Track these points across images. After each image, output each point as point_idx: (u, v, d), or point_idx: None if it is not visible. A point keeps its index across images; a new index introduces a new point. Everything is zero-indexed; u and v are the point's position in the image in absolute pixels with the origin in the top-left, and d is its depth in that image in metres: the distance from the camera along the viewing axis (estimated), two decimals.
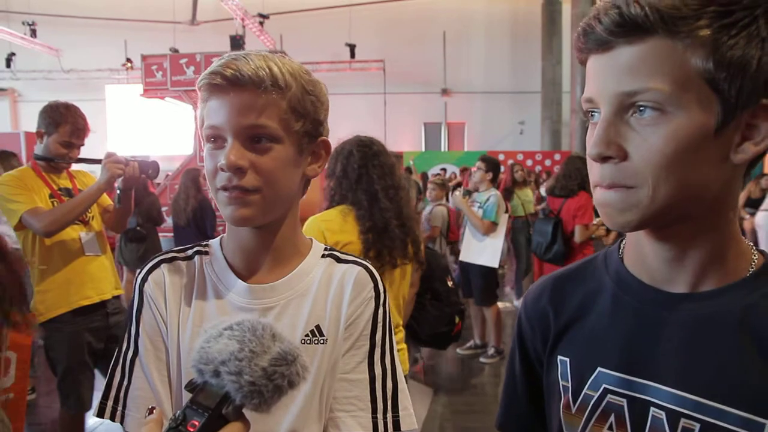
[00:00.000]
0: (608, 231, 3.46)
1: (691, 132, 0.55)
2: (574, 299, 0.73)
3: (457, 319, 2.54)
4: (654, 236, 0.64)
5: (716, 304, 0.61)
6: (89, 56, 15.50)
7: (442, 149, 16.77)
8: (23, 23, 14.51)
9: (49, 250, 2.29)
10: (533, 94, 15.65)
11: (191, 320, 0.83)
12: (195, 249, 0.89)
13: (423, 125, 17.11)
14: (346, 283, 0.87)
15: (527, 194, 6.04)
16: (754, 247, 0.65)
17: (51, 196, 2.32)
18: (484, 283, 4.32)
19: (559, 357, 0.72)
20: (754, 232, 6.89)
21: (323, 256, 0.91)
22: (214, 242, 0.90)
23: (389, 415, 0.86)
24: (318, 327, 0.84)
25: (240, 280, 0.85)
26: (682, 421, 0.59)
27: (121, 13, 15.42)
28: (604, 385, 0.66)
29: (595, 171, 0.60)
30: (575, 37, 0.61)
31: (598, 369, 0.67)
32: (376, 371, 0.86)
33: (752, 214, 6.95)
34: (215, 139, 0.78)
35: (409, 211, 2.07)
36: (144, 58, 9.01)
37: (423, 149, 16.44)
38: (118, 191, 2.43)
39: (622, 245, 0.72)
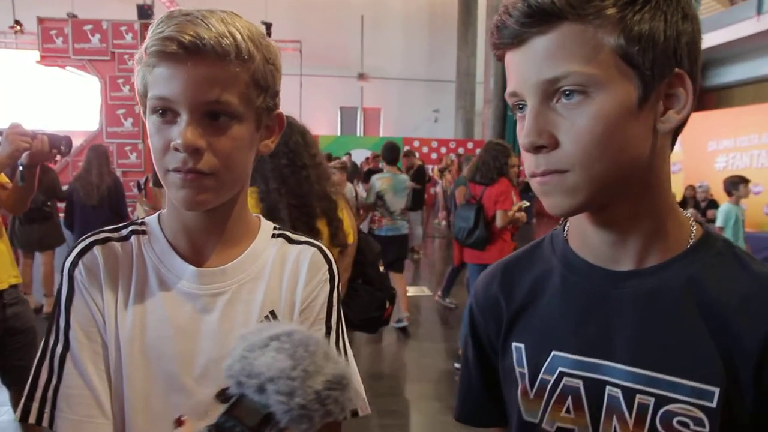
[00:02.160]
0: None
1: (615, 109, 0.57)
2: (525, 284, 0.74)
3: (387, 304, 2.55)
4: (594, 220, 0.65)
5: (661, 278, 0.63)
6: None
7: (358, 134, 16.77)
8: None
9: None
10: (448, 83, 16.02)
11: (131, 308, 0.76)
12: (130, 228, 0.81)
13: (339, 109, 16.99)
14: (300, 265, 0.83)
15: None
16: (691, 218, 0.67)
17: None
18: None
19: (514, 343, 0.72)
20: None
21: (273, 236, 0.86)
22: (150, 220, 0.82)
23: None
24: (273, 312, 0.80)
25: (186, 263, 0.78)
26: (638, 397, 0.61)
27: None
28: (559, 368, 0.66)
29: (530, 161, 0.62)
30: (490, 34, 0.62)
31: (553, 352, 0.67)
32: None
33: None
34: (164, 111, 0.69)
35: (322, 191, 1.99)
36: (41, 21, 8.20)
37: (339, 133, 16.34)
38: (20, 167, 2.19)
39: (566, 227, 0.73)
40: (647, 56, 0.57)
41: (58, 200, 5.07)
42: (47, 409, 0.73)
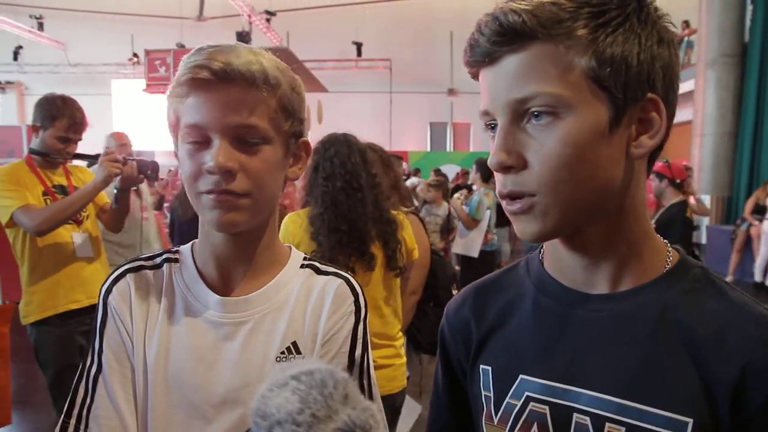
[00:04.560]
0: None
1: (585, 132, 0.56)
2: (496, 307, 0.72)
3: None
4: (567, 244, 0.63)
5: (635, 302, 0.61)
6: (96, 50, 15.50)
7: (448, 149, 16.70)
8: (30, 16, 14.52)
9: (39, 250, 2.22)
10: None
11: (158, 335, 0.78)
12: (164, 256, 0.83)
13: (429, 125, 17.05)
14: (325, 296, 0.82)
15: None
16: (668, 244, 0.65)
17: (44, 194, 2.24)
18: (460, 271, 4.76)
19: (481, 366, 0.70)
20: (760, 239, 6.80)
21: (302, 266, 0.85)
22: (184, 248, 0.84)
23: None
24: (294, 344, 0.79)
25: (211, 292, 0.79)
26: (607, 426, 0.58)
27: (128, 7, 15.42)
28: (526, 393, 0.64)
29: (499, 181, 0.60)
30: (463, 52, 0.61)
31: (520, 376, 0.65)
32: None
33: (760, 221, 6.87)
34: (198, 139, 0.72)
35: (378, 214, 1.90)
36: (147, 53, 9.01)
37: (428, 149, 16.37)
38: (115, 191, 2.36)
39: (542, 250, 0.71)
40: (619, 79, 0.56)
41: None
42: (82, 427, 0.76)
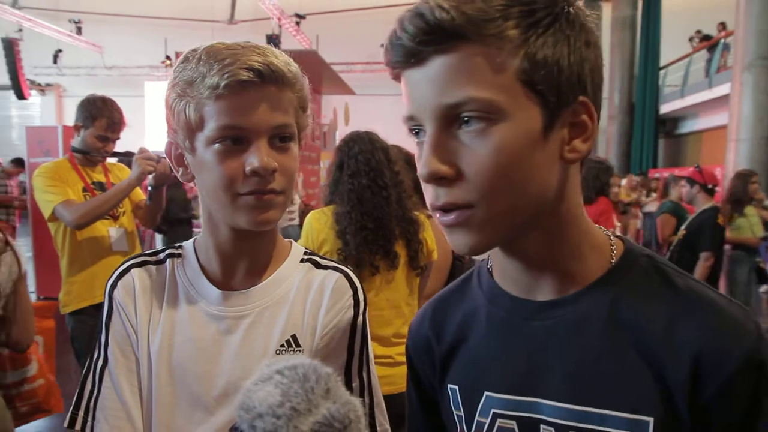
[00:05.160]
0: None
1: (519, 137, 0.53)
2: (454, 322, 0.69)
3: None
4: (507, 252, 0.61)
5: (582, 305, 0.59)
6: (130, 53, 15.89)
7: None
8: (70, 21, 14.97)
9: (78, 244, 2.32)
10: None
11: (161, 328, 0.79)
12: (167, 252, 0.85)
13: None
14: (324, 290, 0.83)
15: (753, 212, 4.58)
16: (610, 236, 0.62)
17: (84, 190, 2.35)
18: None
19: (449, 386, 0.68)
20: None
21: (302, 260, 0.86)
22: (187, 244, 0.86)
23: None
24: (294, 336, 0.80)
25: (213, 286, 0.81)
26: None
27: (162, 11, 15.78)
28: (492, 410, 0.62)
29: (429, 193, 0.56)
30: (384, 51, 0.56)
31: (486, 393, 0.63)
32: (353, 384, 0.81)
33: None
34: (234, 140, 0.71)
35: (401, 212, 1.90)
36: (177, 55, 9.20)
37: None
38: (149, 188, 2.44)
39: (490, 259, 0.68)
40: (552, 82, 0.53)
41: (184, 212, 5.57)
42: (89, 419, 0.78)
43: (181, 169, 0.79)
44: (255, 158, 0.70)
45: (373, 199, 1.86)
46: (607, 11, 13.46)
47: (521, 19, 0.52)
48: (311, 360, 0.55)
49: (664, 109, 14.08)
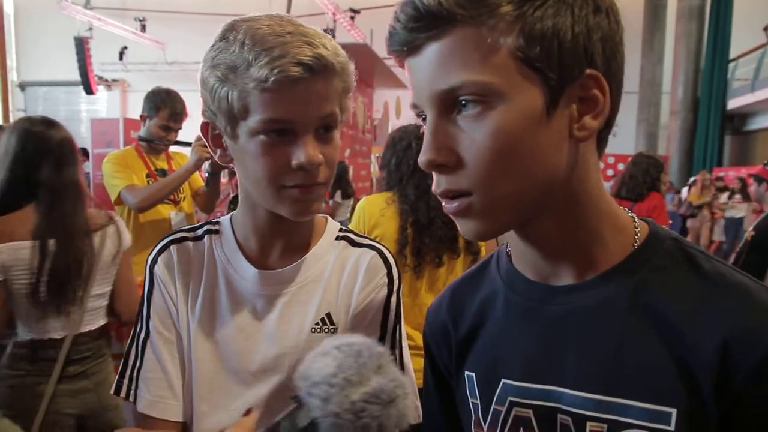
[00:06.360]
0: None
1: (519, 120, 0.50)
2: (472, 308, 0.67)
3: None
4: (522, 235, 0.59)
5: (603, 290, 0.56)
6: (190, 49, 16.43)
7: None
8: (135, 19, 15.63)
9: (141, 225, 2.45)
10: (629, 94, 14.78)
11: (200, 303, 0.81)
12: (205, 228, 0.86)
13: None
14: (359, 268, 0.83)
15: None
16: (635, 218, 0.60)
17: (147, 176, 2.49)
18: None
19: (466, 372, 0.66)
20: None
21: (337, 238, 0.86)
22: (224, 220, 0.86)
23: None
24: (329, 315, 0.81)
25: (250, 265, 0.81)
26: (589, 425, 0.54)
27: (221, 8, 16.23)
28: (509, 398, 0.61)
29: (434, 179, 0.56)
30: (385, 42, 0.56)
31: (503, 381, 0.61)
32: None
33: None
34: (280, 132, 0.70)
35: None
36: None
37: None
38: (206, 174, 2.54)
39: (508, 243, 0.66)
40: (552, 57, 0.50)
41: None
42: (133, 388, 0.82)
43: (219, 151, 0.79)
44: (302, 153, 0.70)
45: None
46: (672, 2, 12.89)
47: None
48: (367, 339, 0.58)
49: (732, 104, 13.35)
